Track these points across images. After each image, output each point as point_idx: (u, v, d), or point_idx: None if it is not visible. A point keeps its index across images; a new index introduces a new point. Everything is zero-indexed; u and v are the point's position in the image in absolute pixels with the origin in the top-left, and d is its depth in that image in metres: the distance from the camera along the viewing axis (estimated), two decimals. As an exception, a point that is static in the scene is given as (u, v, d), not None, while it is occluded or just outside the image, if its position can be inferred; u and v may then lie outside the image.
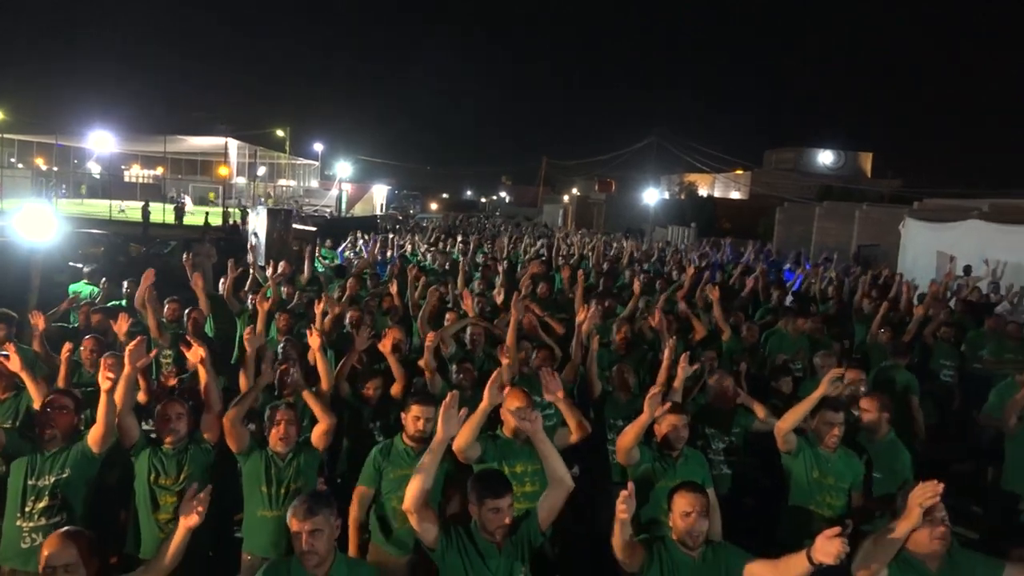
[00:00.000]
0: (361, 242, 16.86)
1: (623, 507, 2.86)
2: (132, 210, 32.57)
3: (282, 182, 53.91)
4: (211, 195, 44.13)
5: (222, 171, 44.16)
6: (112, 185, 43.23)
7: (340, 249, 15.83)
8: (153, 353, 4.36)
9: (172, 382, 4.60)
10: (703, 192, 59.42)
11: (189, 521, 2.87)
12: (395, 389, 5.06)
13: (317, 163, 56.85)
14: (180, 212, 33.97)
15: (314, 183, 56.32)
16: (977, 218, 16.17)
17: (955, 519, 3.17)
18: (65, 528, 2.83)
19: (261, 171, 47.41)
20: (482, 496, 3.14)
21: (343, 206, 48.54)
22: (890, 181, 49.26)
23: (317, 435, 4.13)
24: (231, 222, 29.38)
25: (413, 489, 3.02)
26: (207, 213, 32.68)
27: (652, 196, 49.91)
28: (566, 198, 68.56)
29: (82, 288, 8.65)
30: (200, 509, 2.85)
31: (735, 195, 57.43)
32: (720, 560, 3.13)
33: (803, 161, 59.85)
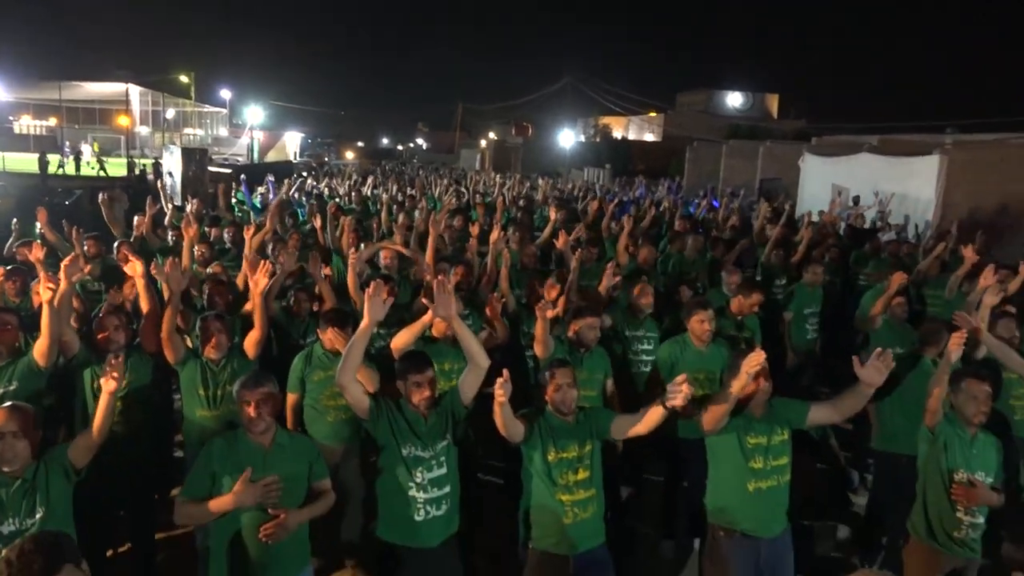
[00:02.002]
0: (271, 186, 16.75)
1: (500, 392, 3.25)
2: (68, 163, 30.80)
3: (188, 131, 51.78)
4: (95, 145, 40.84)
5: (122, 120, 42.15)
6: (1, 137, 40.70)
7: (255, 193, 15.69)
8: (87, 269, 4.52)
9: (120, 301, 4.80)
10: (618, 134, 60.23)
11: (109, 386, 3.12)
12: (325, 308, 5.38)
13: (225, 110, 54.82)
14: (78, 162, 32.50)
15: (223, 131, 54.38)
16: (867, 152, 17.25)
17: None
18: (10, 403, 3.06)
19: (171, 113, 45.35)
20: (406, 372, 3.56)
21: (255, 155, 47.13)
22: (793, 121, 51.23)
23: (250, 343, 4.44)
24: (137, 171, 28.41)
25: (345, 366, 3.36)
26: (130, 161, 31.23)
27: (568, 139, 50.45)
28: (483, 143, 68.39)
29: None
30: (115, 375, 3.11)
31: (649, 137, 58.55)
32: (591, 421, 3.66)
33: (713, 103, 61.47)
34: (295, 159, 52.14)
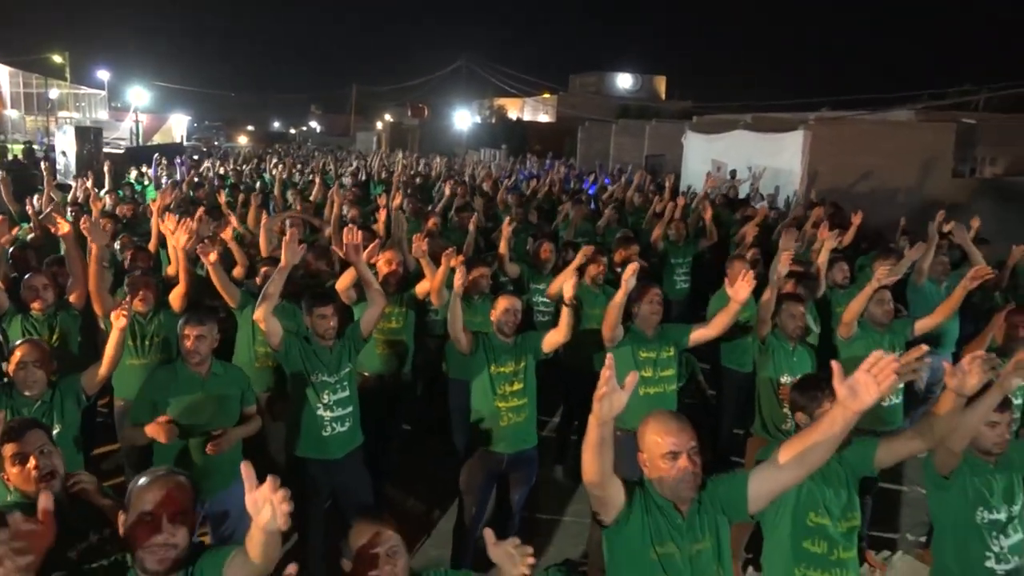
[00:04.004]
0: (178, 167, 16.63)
1: (459, 282, 4.11)
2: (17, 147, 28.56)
3: (64, 114, 48.98)
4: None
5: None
6: None
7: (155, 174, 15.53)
8: (15, 230, 4.76)
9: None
10: (513, 115, 61.06)
11: (120, 323, 3.52)
12: (237, 271, 5.76)
13: (104, 92, 52.18)
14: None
15: (103, 114, 51.68)
16: (742, 128, 18.58)
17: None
18: (29, 338, 3.55)
19: (54, 94, 42.82)
20: (311, 306, 4.13)
21: (139, 139, 45.20)
22: (679, 101, 53.37)
23: (175, 296, 4.82)
24: (11, 157, 26.99)
25: (264, 301, 3.88)
26: (1, 146, 29.35)
27: (464, 120, 50.79)
28: (379, 125, 67.79)
29: None
30: (125, 314, 3.52)
31: (543, 118, 59.58)
32: (527, 342, 4.36)
33: (605, 85, 63.19)
34: (183, 143, 50.30)
